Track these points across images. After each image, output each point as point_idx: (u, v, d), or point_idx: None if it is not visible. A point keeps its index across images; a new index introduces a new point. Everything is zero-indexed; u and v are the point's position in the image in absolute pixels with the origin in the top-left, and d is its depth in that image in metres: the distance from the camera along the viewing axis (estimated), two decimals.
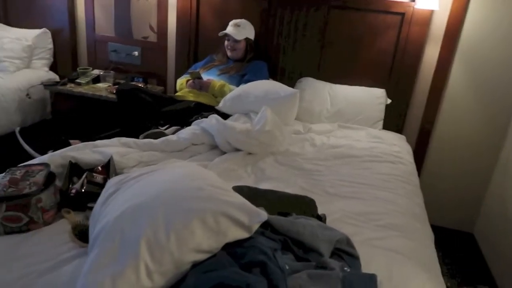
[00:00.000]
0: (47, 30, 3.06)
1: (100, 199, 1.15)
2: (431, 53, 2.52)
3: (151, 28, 2.98)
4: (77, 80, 2.82)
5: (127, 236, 0.86)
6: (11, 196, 1.15)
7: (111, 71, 2.88)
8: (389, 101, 2.55)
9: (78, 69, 2.90)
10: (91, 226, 1.11)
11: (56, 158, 1.50)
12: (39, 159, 1.51)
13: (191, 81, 2.52)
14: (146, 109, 2.16)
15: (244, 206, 0.92)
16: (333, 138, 2.23)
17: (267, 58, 2.72)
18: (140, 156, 1.67)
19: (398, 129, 2.61)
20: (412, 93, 2.60)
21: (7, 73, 2.80)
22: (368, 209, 1.48)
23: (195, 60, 2.90)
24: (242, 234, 0.91)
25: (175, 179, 1.00)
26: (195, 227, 0.87)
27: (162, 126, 2.03)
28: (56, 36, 3.11)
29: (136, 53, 3.04)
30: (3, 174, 1.28)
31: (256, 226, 0.92)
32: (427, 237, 1.45)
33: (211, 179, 1.01)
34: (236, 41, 2.57)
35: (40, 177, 1.25)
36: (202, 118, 2.20)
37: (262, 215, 0.92)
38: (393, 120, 2.59)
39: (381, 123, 2.51)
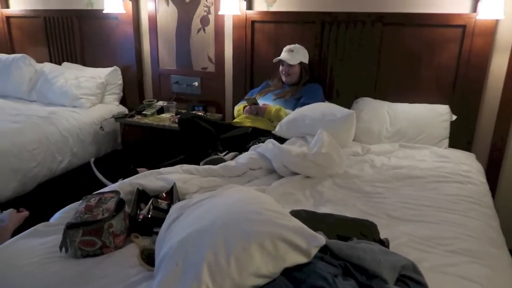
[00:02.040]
0: (117, 68, 3.34)
1: (164, 225, 1.22)
2: (499, 64, 2.37)
3: (209, 59, 3.13)
4: (144, 112, 3.02)
5: (190, 259, 0.90)
6: (87, 222, 1.25)
7: (173, 102, 3.05)
8: (454, 117, 2.43)
9: (144, 101, 3.10)
10: (156, 250, 1.17)
11: (125, 185, 1.61)
12: (110, 186, 1.62)
13: (248, 107, 2.59)
14: (206, 136, 2.24)
15: (301, 230, 0.92)
16: (394, 158, 2.16)
17: (322, 80, 2.73)
18: (201, 182, 1.73)
19: (467, 147, 2.46)
20: (480, 108, 2.44)
21: (83, 109, 3.07)
22: (436, 233, 1.40)
23: (251, 87, 2.98)
24: (300, 259, 0.91)
25: (233, 203, 1.03)
26: (254, 251, 0.88)
27: (221, 152, 2.10)
28: (124, 73, 3.37)
29: (196, 83, 3.20)
30: (80, 201, 1.40)
31: (314, 251, 0.91)
32: (505, 264, 1.33)
33: (268, 203, 1.02)
34: (290, 65, 2.61)
35: (111, 204, 1.35)
36: (259, 143, 2.24)
37: (320, 239, 0.91)
38: (460, 137, 2.45)
39: (446, 141, 2.38)
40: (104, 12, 3.11)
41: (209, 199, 1.12)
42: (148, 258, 1.25)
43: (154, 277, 0.98)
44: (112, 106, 3.30)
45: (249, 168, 1.86)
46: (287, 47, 2.65)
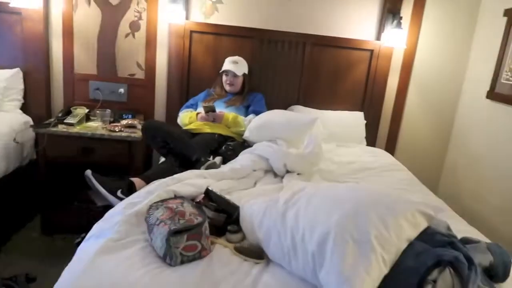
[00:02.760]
0: (20, 70, 2.87)
1: (256, 221, 1.33)
2: (393, 81, 3.12)
3: (138, 65, 3.03)
4: (67, 121, 2.71)
5: (357, 236, 1.09)
6: (189, 227, 1.24)
7: (107, 110, 2.83)
8: (365, 121, 3.07)
9: (71, 108, 2.78)
10: (265, 240, 1.28)
11: (162, 193, 1.57)
12: (144, 191, 1.56)
13: (202, 114, 2.66)
14: (183, 143, 2.24)
15: (427, 203, 1.23)
16: (341, 156, 2.62)
17: (258, 91, 3.02)
18: (219, 185, 1.81)
19: (372, 144, 3.13)
20: (381, 114, 3.16)
21: None
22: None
23: (187, 96, 3.04)
24: (426, 224, 1.21)
25: (357, 191, 1.25)
26: (402, 222, 1.14)
27: (209, 158, 2.16)
28: (27, 76, 2.93)
29: (122, 90, 3.04)
30: (153, 209, 1.34)
31: (436, 217, 1.23)
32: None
33: (378, 188, 1.28)
34: (235, 76, 2.81)
35: (193, 209, 1.35)
36: (230, 148, 2.39)
37: (440, 206, 1.23)
38: (368, 136, 3.10)
39: (364, 141, 3.00)
40: (10, 5, 2.66)
41: (318, 193, 1.29)
42: (239, 252, 1.33)
43: (316, 261, 1.11)
44: (15, 115, 2.82)
45: (252, 169, 2.01)
46: (231, 58, 2.84)
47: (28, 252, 2.45)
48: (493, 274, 1.26)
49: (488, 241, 1.44)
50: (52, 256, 2.38)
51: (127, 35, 2.98)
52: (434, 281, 1.06)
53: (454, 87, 3.14)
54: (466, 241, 1.32)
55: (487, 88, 2.77)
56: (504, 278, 1.27)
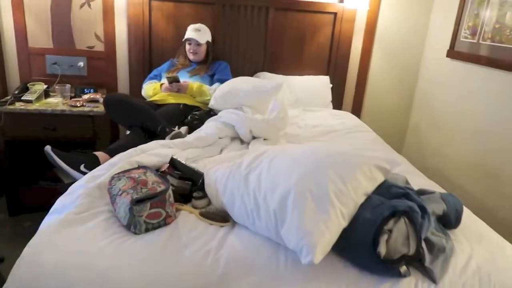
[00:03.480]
0: None
1: (220, 185, 1.35)
2: (357, 44, 3.14)
3: (97, 37, 2.91)
4: (24, 98, 2.60)
5: (316, 193, 1.12)
6: (151, 195, 1.24)
7: (67, 85, 2.73)
8: (330, 85, 3.09)
9: (28, 84, 2.66)
10: (229, 204, 1.30)
11: (124, 164, 1.55)
12: (111, 163, 1.54)
13: (165, 85, 2.61)
14: (146, 115, 2.20)
15: (384, 157, 1.26)
16: (307, 120, 2.64)
17: (222, 59, 2.97)
18: (186, 154, 1.80)
19: (339, 107, 3.17)
20: (346, 77, 3.18)
21: None
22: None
23: (149, 66, 2.96)
24: (383, 178, 1.25)
25: (317, 150, 1.27)
26: (359, 176, 1.17)
27: (173, 127, 2.14)
28: None
29: (81, 63, 2.93)
30: (115, 180, 1.33)
31: (392, 170, 1.27)
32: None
33: (335, 147, 1.31)
34: (198, 44, 2.75)
35: (156, 177, 1.35)
36: (195, 117, 2.38)
37: (397, 161, 1.27)
38: (335, 100, 3.13)
39: (331, 104, 3.04)
40: None
41: (276, 155, 1.30)
42: (205, 217, 1.35)
43: (278, 217, 1.14)
44: None
45: (218, 137, 2.01)
46: (193, 26, 2.77)
47: None
48: (446, 221, 1.33)
49: (443, 191, 1.51)
50: (20, 237, 2.34)
51: (82, 5, 2.84)
52: (390, 231, 1.11)
53: (416, 48, 3.18)
54: (421, 192, 1.38)
55: (447, 47, 2.82)
56: (456, 224, 1.35)
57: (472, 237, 1.32)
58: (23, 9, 2.78)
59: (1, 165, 2.57)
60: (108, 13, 2.86)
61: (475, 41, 2.55)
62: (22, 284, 1.08)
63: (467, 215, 1.45)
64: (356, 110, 3.26)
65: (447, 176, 2.77)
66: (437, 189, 1.65)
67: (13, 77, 2.94)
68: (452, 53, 2.79)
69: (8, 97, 2.61)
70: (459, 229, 1.35)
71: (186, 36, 2.73)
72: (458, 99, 2.74)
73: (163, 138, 2.02)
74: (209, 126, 2.06)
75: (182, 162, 1.62)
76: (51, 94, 2.78)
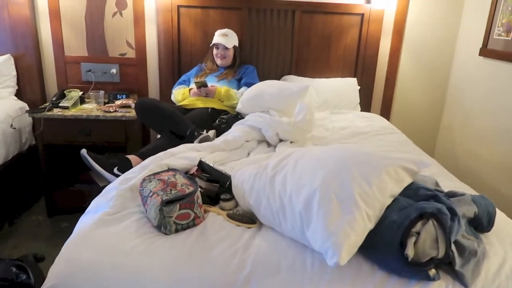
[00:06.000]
0: (11, 56, 2.87)
1: (246, 187, 1.37)
2: (385, 45, 3.09)
3: (128, 44, 3.02)
4: (61, 104, 2.73)
5: (340, 194, 1.12)
6: (181, 196, 1.28)
7: (101, 91, 2.84)
8: (358, 87, 3.06)
9: (65, 91, 2.79)
10: (255, 205, 1.32)
11: (155, 167, 1.61)
12: (142, 166, 1.59)
13: (194, 89, 2.67)
14: (175, 119, 2.26)
15: (410, 159, 1.25)
16: (335, 122, 2.63)
17: (249, 63, 3.00)
18: (214, 157, 1.84)
19: (367, 109, 3.14)
20: (375, 79, 3.14)
21: None
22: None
23: (179, 72, 3.04)
24: (410, 180, 1.24)
25: (341, 151, 1.27)
26: (385, 178, 1.17)
27: (202, 131, 2.19)
28: (18, 62, 2.93)
29: (114, 70, 3.04)
30: (146, 182, 1.38)
31: (420, 172, 1.26)
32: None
33: (360, 148, 1.30)
34: (226, 49, 2.79)
35: (185, 179, 1.39)
36: (224, 121, 2.41)
37: (426, 163, 1.26)
38: (363, 102, 3.10)
39: (358, 106, 3.01)
40: None
41: (302, 157, 1.31)
42: (232, 218, 1.37)
43: (303, 219, 1.15)
44: (10, 101, 2.84)
45: (245, 140, 2.03)
46: (220, 31, 2.82)
47: (34, 234, 2.53)
48: (478, 224, 1.30)
49: (476, 194, 1.47)
50: (58, 237, 2.46)
51: (114, 14, 2.95)
52: (418, 233, 1.10)
53: (447, 47, 3.10)
54: (451, 194, 1.35)
55: (480, 45, 2.74)
56: (489, 227, 1.31)
57: (506, 240, 1.28)
58: (59, 19, 2.93)
59: (40, 169, 2.70)
60: (138, 20, 2.96)
61: (509, 38, 2.47)
62: (59, 280, 1.14)
63: (500, 217, 1.40)
64: (385, 112, 3.21)
65: (480, 177, 2.68)
66: (469, 191, 1.60)
67: (51, 85, 3.09)
68: (485, 51, 2.70)
69: (47, 104, 2.74)
70: (492, 232, 1.31)
71: (213, 41, 2.79)
72: (491, 98, 2.65)
73: (192, 142, 2.07)
74: (236, 130, 2.09)
75: (210, 164, 1.66)
76: (86, 100, 2.90)
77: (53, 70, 3.05)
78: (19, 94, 2.97)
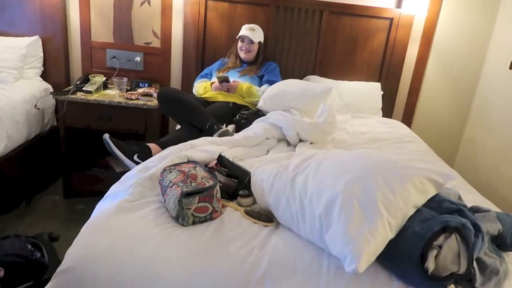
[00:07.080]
0: (39, 38, 2.92)
1: (266, 186, 1.35)
2: (412, 51, 3.04)
3: (154, 33, 3.03)
4: (85, 89, 2.75)
5: (363, 200, 1.10)
6: (201, 189, 1.28)
7: (124, 78, 2.86)
8: (381, 92, 3.01)
9: (90, 76, 2.82)
10: (274, 204, 1.31)
11: (175, 158, 1.61)
12: (160, 156, 1.60)
13: (216, 84, 2.66)
14: (196, 111, 2.26)
15: (435, 170, 1.22)
16: (356, 126, 2.60)
17: (273, 60, 2.98)
18: (233, 152, 1.83)
19: (389, 115, 3.09)
20: (399, 85, 3.09)
21: (8, 84, 2.63)
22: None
23: (202, 64, 3.04)
24: (435, 191, 1.21)
25: (366, 157, 1.25)
26: (410, 188, 1.14)
27: (222, 125, 2.18)
28: (45, 44, 2.97)
29: (138, 58, 3.06)
30: (166, 173, 1.38)
31: (445, 185, 1.23)
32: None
33: (388, 156, 1.28)
34: (251, 43, 2.78)
35: (205, 173, 1.39)
36: (244, 116, 2.40)
37: (452, 175, 1.23)
38: (385, 108, 3.06)
39: (381, 111, 2.96)
40: None
41: (322, 161, 1.30)
42: (249, 215, 1.37)
43: (323, 222, 1.13)
44: (36, 82, 2.89)
45: (265, 137, 2.02)
46: (247, 26, 2.80)
47: (50, 214, 2.57)
48: (502, 242, 1.26)
49: (499, 211, 1.43)
50: (73, 219, 2.50)
51: (142, 3, 2.96)
52: (440, 247, 1.07)
53: (477, 57, 3.03)
54: (476, 210, 1.32)
55: (511, 58, 2.67)
56: None
57: None
58: (89, 5, 2.96)
59: (60, 150, 2.74)
60: (166, 10, 2.97)
61: None
62: (76, 263, 1.15)
63: None
64: (407, 119, 3.16)
65: (502, 194, 2.62)
66: (491, 207, 1.56)
67: (76, 68, 3.13)
68: None
69: (71, 87, 2.77)
70: None
71: (240, 34, 2.77)
72: None
73: (211, 135, 2.07)
74: (257, 126, 2.09)
75: (230, 159, 1.65)
76: (109, 86, 2.92)
77: (79, 54, 3.08)
78: (44, 76, 3.01)
